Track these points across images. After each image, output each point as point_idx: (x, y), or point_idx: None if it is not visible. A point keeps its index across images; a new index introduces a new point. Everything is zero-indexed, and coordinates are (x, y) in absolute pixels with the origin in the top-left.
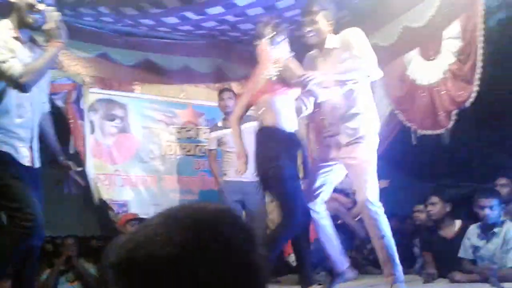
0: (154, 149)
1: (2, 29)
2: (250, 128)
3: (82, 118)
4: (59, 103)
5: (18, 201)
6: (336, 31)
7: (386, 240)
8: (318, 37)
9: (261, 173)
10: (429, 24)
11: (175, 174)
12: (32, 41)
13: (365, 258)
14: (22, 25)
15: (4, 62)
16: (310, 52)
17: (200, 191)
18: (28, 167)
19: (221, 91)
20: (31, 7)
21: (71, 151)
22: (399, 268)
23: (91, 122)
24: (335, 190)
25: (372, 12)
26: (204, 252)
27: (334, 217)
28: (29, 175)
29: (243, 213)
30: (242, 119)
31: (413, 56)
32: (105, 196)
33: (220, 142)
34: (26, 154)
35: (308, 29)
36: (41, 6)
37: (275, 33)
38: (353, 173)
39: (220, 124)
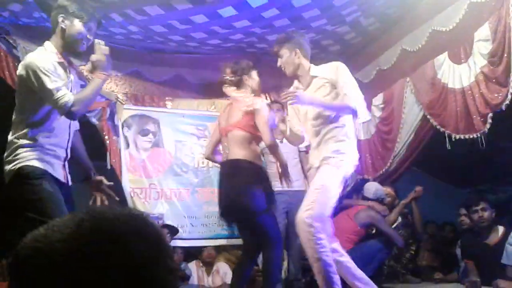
0: (187, 162)
1: (49, 54)
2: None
3: (117, 134)
4: (94, 120)
5: (49, 215)
6: (366, 39)
7: (322, 263)
8: (289, 69)
9: (228, 205)
10: (458, 27)
11: (208, 186)
12: (70, 64)
13: (404, 267)
14: (66, 49)
15: (57, 90)
16: (294, 84)
17: None
18: (63, 183)
19: (268, 104)
20: (81, 35)
21: (108, 167)
22: None
23: (126, 138)
24: (370, 199)
25: (400, 18)
26: (91, 255)
27: (369, 226)
28: (64, 191)
29: (286, 222)
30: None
31: (443, 60)
32: (141, 209)
33: (264, 152)
34: (61, 172)
35: (278, 64)
36: (89, 36)
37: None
38: (308, 191)
39: None
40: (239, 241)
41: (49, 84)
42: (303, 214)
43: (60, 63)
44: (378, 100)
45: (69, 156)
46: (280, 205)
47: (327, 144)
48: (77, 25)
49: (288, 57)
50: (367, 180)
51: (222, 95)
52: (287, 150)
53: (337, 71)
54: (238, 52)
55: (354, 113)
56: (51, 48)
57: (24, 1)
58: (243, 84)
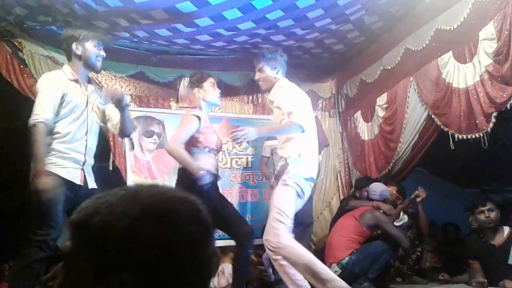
0: None
1: (61, 75)
2: None
3: None
4: (99, 122)
5: (44, 216)
6: (369, 38)
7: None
8: (266, 85)
9: None
10: (462, 26)
11: None
12: (89, 81)
13: (410, 268)
14: (85, 69)
15: (41, 108)
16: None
17: (238, 203)
18: (80, 186)
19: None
20: (95, 55)
21: (110, 168)
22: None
23: (131, 139)
24: (376, 199)
25: (403, 16)
26: (153, 231)
27: (374, 227)
28: (82, 192)
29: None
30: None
31: (448, 59)
32: None
33: (273, 152)
34: (77, 175)
35: (256, 77)
36: (101, 52)
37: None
38: (270, 210)
39: None
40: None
41: (42, 98)
42: (266, 236)
43: (74, 80)
44: (381, 100)
45: (88, 161)
46: None
47: (280, 162)
48: (90, 48)
49: (268, 74)
50: (369, 179)
51: (226, 95)
52: None
53: (278, 93)
54: (243, 53)
55: (302, 128)
56: (67, 70)
57: (29, 5)
58: (194, 96)
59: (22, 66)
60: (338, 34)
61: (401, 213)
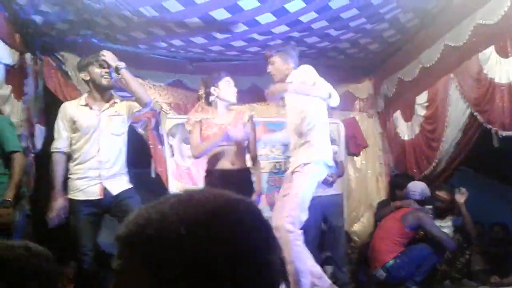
0: None
1: (74, 103)
2: None
3: (162, 143)
4: (140, 130)
5: (74, 239)
6: (406, 36)
7: (294, 266)
8: (277, 76)
9: None
10: (503, 19)
11: None
12: (108, 99)
13: (459, 272)
14: (100, 91)
15: (57, 137)
16: None
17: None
18: (98, 200)
19: None
20: (101, 75)
21: (153, 175)
22: None
23: (171, 146)
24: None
25: (440, 13)
26: (212, 238)
27: (417, 228)
28: (101, 205)
29: (322, 226)
30: None
31: (489, 54)
32: None
33: None
34: (94, 190)
35: (268, 70)
36: (108, 69)
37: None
38: (284, 199)
39: None
40: None
41: (56, 131)
42: (283, 220)
43: (84, 105)
44: (421, 98)
45: (105, 174)
46: (315, 210)
47: (300, 151)
48: (93, 71)
49: (279, 66)
50: (408, 176)
51: (261, 100)
52: None
53: (305, 73)
54: None
55: (329, 96)
56: (83, 96)
57: (70, 20)
58: (212, 96)
59: (65, 79)
60: (373, 33)
61: (449, 215)
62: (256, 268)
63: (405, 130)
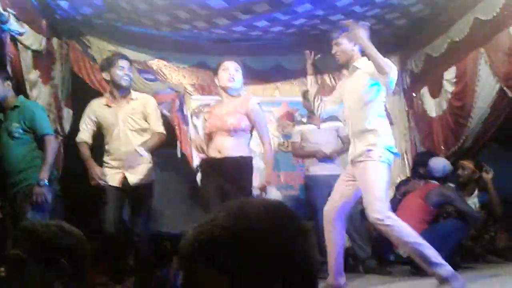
0: (254, 147)
1: (97, 103)
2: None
3: (186, 123)
4: (165, 112)
5: (101, 214)
6: (435, 11)
7: (411, 245)
8: (343, 58)
9: None
10: None
11: (275, 170)
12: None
13: (483, 247)
14: (118, 90)
15: (80, 129)
16: (344, 71)
17: (300, 186)
18: (118, 187)
19: (304, 92)
20: (119, 77)
21: (179, 155)
22: (442, 265)
23: (195, 127)
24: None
25: None
26: (267, 243)
27: (442, 204)
28: (121, 192)
29: None
30: None
31: None
32: None
33: (302, 137)
34: (116, 178)
35: (333, 51)
36: (127, 71)
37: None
38: (363, 189)
39: (304, 120)
40: (311, 224)
41: (81, 123)
42: (371, 214)
43: (105, 105)
44: (450, 74)
45: (128, 164)
46: (323, 190)
47: (362, 138)
48: (114, 72)
49: (346, 48)
50: (430, 154)
51: (285, 79)
52: (322, 135)
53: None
54: (301, 36)
55: (387, 76)
56: (106, 95)
57: (95, 4)
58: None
59: (91, 63)
60: (400, 8)
61: (476, 189)
62: (306, 266)
63: (433, 107)
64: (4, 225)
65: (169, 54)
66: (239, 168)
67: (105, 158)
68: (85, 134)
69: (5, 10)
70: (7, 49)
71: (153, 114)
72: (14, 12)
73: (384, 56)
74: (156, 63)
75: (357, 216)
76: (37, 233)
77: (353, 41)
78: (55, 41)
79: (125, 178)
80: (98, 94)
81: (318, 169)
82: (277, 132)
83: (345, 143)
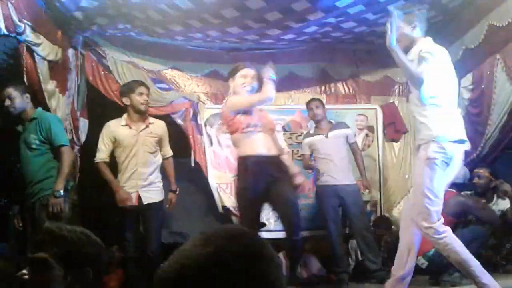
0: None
1: (116, 123)
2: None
3: (200, 133)
4: (179, 121)
5: (123, 230)
6: (447, 17)
7: (455, 256)
8: (402, 43)
9: None
10: None
11: None
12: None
13: (504, 258)
14: (136, 112)
15: (99, 150)
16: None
17: (314, 193)
18: (135, 206)
19: (308, 102)
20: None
21: (192, 164)
22: (486, 276)
23: (209, 136)
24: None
25: None
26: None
27: (461, 214)
28: (136, 211)
29: (340, 217)
30: None
31: None
32: (228, 203)
33: (312, 149)
34: (133, 199)
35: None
36: (144, 97)
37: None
38: (414, 190)
39: (312, 131)
40: (322, 233)
41: (100, 143)
42: (420, 223)
43: (124, 126)
44: (466, 81)
45: (143, 183)
46: (330, 200)
47: (421, 127)
48: (134, 98)
49: (404, 31)
50: None
51: (298, 87)
52: (331, 144)
53: (421, 46)
54: (313, 43)
55: (421, 81)
56: (124, 117)
57: (109, 14)
58: (231, 88)
59: (106, 73)
60: (414, 15)
61: (495, 196)
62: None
63: None
64: (24, 233)
65: (182, 64)
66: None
67: (121, 178)
68: (103, 154)
69: (21, 21)
70: (23, 60)
71: (166, 139)
72: (30, 24)
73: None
74: (169, 73)
75: (367, 228)
76: (64, 237)
77: (412, 29)
78: (70, 51)
79: (139, 197)
80: (112, 104)
81: (329, 179)
82: (290, 140)
83: (354, 150)
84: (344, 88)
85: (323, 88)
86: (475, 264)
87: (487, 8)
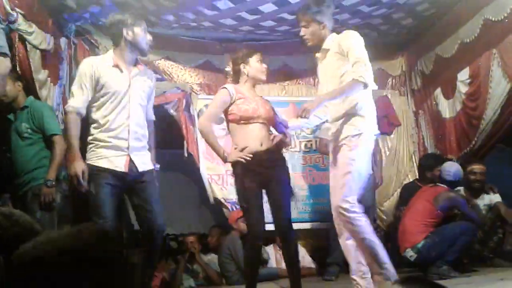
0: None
1: (102, 61)
2: None
3: (193, 123)
4: (172, 111)
5: (93, 207)
6: (441, 10)
7: (366, 242)
8: (313, 41)
9: None
10: None
11: None
12: (136, 63)
13: (492, 251)
14: (134, 54)
15: (72, 95)
16: (316, 54)
17: (308, 186)
18: (124, 173)
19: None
20: (144, 39)
21: (186, 155)
22: (387, 265)
23: None
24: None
25: None
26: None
27: (449, 208)
28: (124, 180)
29: None
30: None
31: None
32: (219, 195)
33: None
34: (121, 162)
35: (302, 33)
36: (149, 37)
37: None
38: (332, 175)
39: None
40: (314, 226)
41: (74, 86)
42: (338, 203)
43: (115, 66)
44: (464, 75)
45: (134, 145)
46: None
47: (347, 121)
48: (139, 33)
49: (315, 28)
50: (438, 157)
51: (292, 79)
52: None
53: (347, 40)
54: None
55: (365, 86)
56: (109, 55)
57: (103, 3)
58: (241, 73)
59: None
60: (407, 8)
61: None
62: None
63: (446, 108)
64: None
65: (175, 54)
66: (283, 160)
67: (100, 135)
68: (80, 101)
69: (13, 10)
70: (16, 49)
71: (153, 96)
72: (22, 12)
73: (392, 57)
74: (162, 63)
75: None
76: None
77: (322, 27)
78: (62, 40)
79: (132, 162)
80: None
81: None
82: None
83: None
84: None
85: (317, 80)
86: (382, 252)
87: (481, 2)
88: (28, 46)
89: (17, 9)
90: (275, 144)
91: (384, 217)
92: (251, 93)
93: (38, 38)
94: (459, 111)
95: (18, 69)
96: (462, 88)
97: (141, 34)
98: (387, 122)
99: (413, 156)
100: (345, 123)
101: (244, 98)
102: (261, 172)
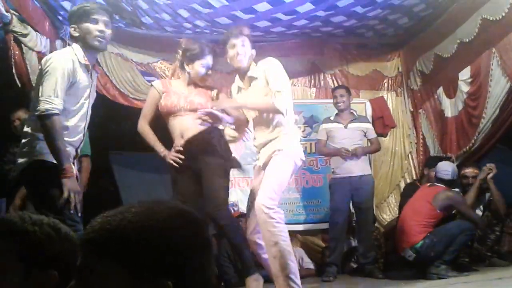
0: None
1: (73, 56)
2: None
3: None
4: None
5: (46, 206)
6: (438, 10)
7: (279, 247)
8: (246, 61)
9: None
10: None
11: None
12: (93, 66)
13: (489, 250)
14: (89, 50)
15: (53, 95)
16: (235, 80)
17: (302, 189)
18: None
19: (333, 89)
20: (97, 34)
21: None
22: (296, 280)
23: None
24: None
25: None
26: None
27: (448, 208)
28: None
29: (350, 207)
30: None
31: None
32: None
33: (328, 135)
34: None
35: (232, 53)
36: (107, 29)
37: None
38: (263, 179)
39: (332, 118)
40: (311, 227)
41: (54, 85)
42: (261, 201)
43: (85, 65)
44: (465, 74)
45: (78, 155)
46: (342, 191)
47: (272, 143)
48: (91, 28)
49: (246, 49)
50: (439, 158)
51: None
52: (348, 135)
53: (268, 68)
54: (303, 37)
55: (283, 114)
56: (80, 52)
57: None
58: (184, 69)
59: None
60: (402, 8)
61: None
62: (197, 264)
63: (449, 107)
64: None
65: (172, 56)
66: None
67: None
68: (59, 102)
69: (8, 11)
70: (11, 51)
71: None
72: (17, 14)
73: (387, 58)
74: (159, 65)
75: (370, 222)
76: (27, 232)
77: (250, 48)
78: (58, 42)
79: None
80: (101, 96)
81: (344, 171)
82: None
83: (374, 144)
84: (333, 82)
85: (312, 81)
86: (294, 264)
87: (478, 2)
88: (24, 48)
89: (12, 11)
90: (199, 133)
91: (381, 218)
92: (180, 87)
93: (34, 40)
94: (461, 110)
95: (14, 71)
96: (464, 87)
97: (92, 29)
98: (383, 123)
99: (410, 157)
100: (270, 144)
101: (167, 92)
102: (189, 165)
